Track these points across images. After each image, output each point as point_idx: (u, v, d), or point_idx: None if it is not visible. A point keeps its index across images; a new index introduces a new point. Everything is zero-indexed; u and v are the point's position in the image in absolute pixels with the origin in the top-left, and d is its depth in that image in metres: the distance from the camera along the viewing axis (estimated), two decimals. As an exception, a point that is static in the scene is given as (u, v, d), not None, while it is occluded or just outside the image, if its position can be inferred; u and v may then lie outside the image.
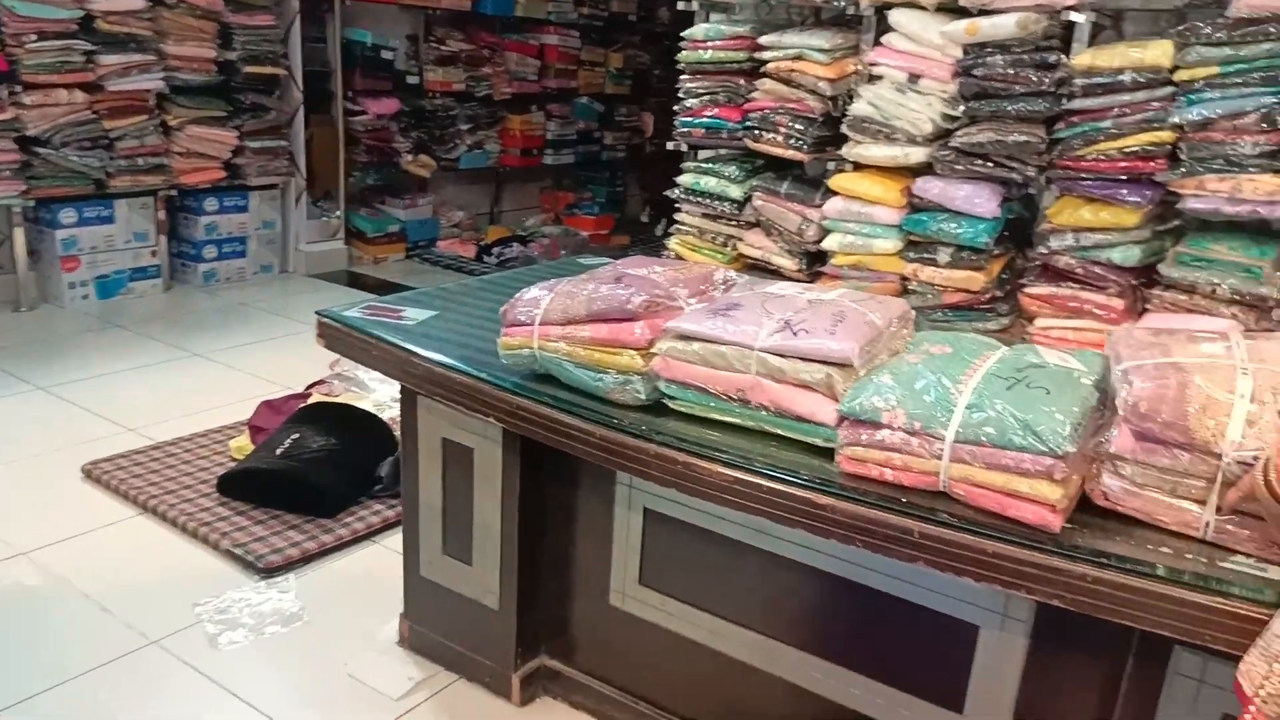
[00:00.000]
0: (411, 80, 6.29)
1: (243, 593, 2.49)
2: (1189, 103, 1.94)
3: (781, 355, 1.48)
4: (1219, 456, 1.19)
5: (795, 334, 1.49)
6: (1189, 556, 1.21)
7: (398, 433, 3.12)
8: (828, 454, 1.45)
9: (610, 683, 2.09)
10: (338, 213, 6.03)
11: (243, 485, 2.90)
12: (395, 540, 2.80)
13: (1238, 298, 1.92)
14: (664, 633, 1.97)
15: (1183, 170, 1.96)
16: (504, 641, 2.14)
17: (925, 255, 2.30)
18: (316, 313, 2.17)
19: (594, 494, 2.00)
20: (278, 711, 2.09)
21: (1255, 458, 1.14)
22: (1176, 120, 1.95)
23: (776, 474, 1.43)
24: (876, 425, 1.37)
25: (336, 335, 2.11)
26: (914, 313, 1.78)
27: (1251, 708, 0.97)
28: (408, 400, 2.16)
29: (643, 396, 1.61)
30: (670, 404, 1.61)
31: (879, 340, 1.54)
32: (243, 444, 3.20)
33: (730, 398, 1.53)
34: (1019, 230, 2.35)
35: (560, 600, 2.13)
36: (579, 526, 2.06)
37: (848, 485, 1.39)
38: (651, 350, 1.60)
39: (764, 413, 1.51)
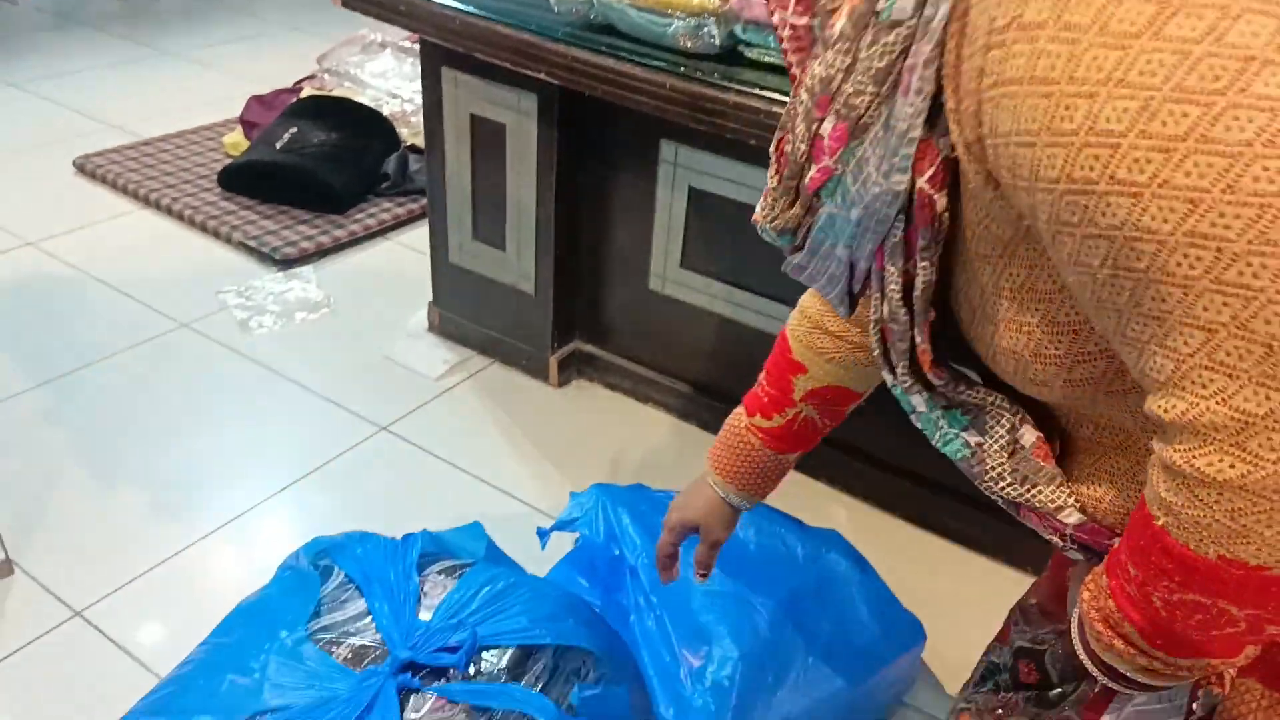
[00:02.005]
0: None
1: (263, 282, 2.46)
2: None
3: None
4: None
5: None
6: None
7: (401, 130, 3.00)
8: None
9: (646, 364, 2.15)
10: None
11: (245, 179, 2.79)
12: (409, 236, 2.77)
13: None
14: (706, 314, 1.99)
15: None
16: (540, 327, 2.16)
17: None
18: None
19: (635, 174, 1.94)
20: (321, 388, 2.13)
21: None
22: None
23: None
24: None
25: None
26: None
27: None
28: (431, 76, 2.03)
29: (716, 43, 1.50)
30: (747, 52, 1.51)
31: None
32: (237, 140, 3.06)
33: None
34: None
35: (597, 285, 2.13)
36: (618, 210, 2.02)
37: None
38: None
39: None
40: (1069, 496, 0.67)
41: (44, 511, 1.74)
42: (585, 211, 2.04)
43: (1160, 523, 0.51)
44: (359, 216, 2.76)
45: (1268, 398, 0.43)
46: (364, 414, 2.07)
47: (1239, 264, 0.41)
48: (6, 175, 2.90)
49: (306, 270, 2.54)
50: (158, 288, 2.41)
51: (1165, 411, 0.48)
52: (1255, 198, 0.40)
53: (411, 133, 2.99)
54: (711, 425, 2.05)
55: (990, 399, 0.68)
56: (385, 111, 3.03)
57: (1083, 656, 0.63)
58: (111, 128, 3.24)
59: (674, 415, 2.13)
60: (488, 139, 2.02)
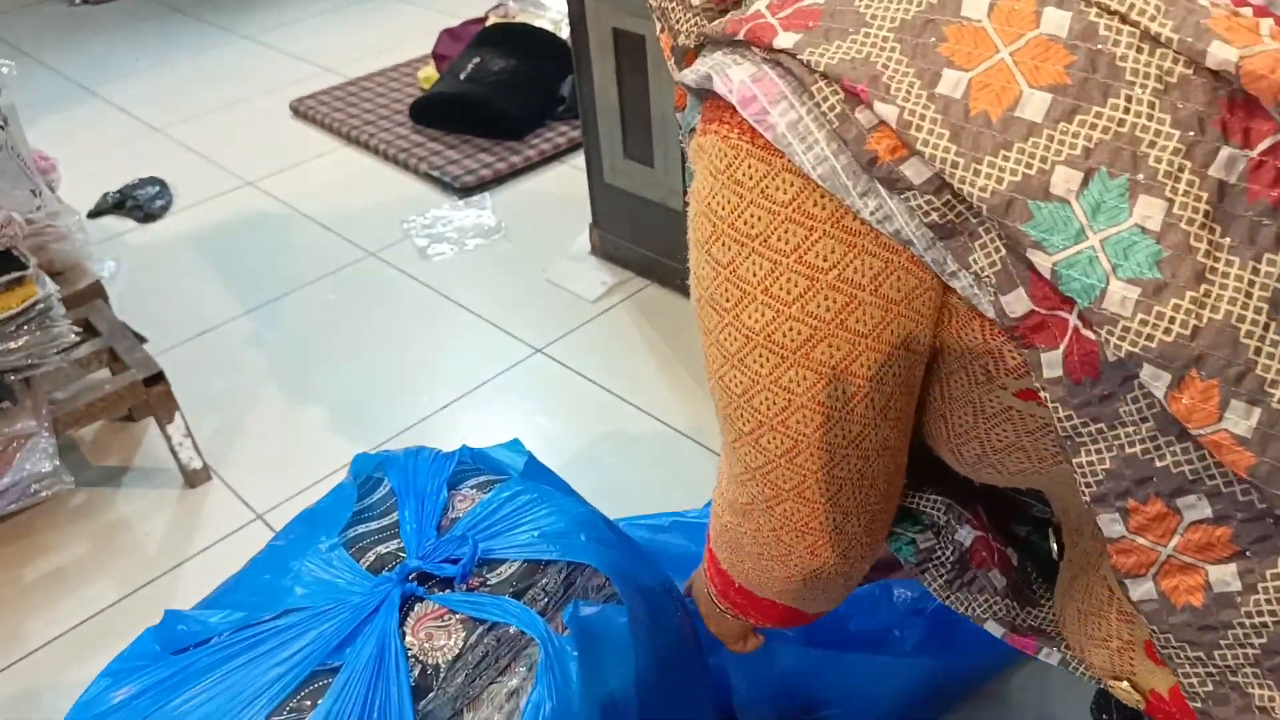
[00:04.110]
0: None
1: (443, 211, 2.59)
2: None
3: None
4: None
5: None
6: None
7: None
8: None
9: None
10: None
11: (432, 112, 2.92)
12: (582, 159, 2.79)
13: None
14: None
15: None
16: (692, 244, 2.12)
17: None
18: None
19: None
20: (487, 312, 2.23)
21: None
22: None
23: None
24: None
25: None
26: None
27: None
28: (576, -8, 2.01)
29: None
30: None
31: None
32: (429, 74, 3.20)
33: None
34: None
35: (747, 199, 2.05)
36: (764, 118, 1.92)
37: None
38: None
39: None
40: (991, 608, 0.70)
41: (241, 426, 1.96)
42: (731, 123, 1.96)
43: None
44: (535, 141, 2.82)
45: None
46: (522, 336, 2.14)
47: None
48: (234, 120, 3.22)
49: (483, 197, 2.63)
50: (352, 220, 2.60)
51: None
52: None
53: (588, 54, 2.99)
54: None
55: (925, 501, 0.70)
56: (563, 34, 3.05)
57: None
58: (325, 70, 3.49)
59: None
60: (630, 52, 1.98)
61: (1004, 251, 0.47)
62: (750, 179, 0.50)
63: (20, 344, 1.53)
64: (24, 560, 1.70)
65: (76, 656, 1.53)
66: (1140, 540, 0.50)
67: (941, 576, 0.72)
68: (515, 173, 2.73)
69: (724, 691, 1.02)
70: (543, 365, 2.05)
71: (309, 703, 0.72)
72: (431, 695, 0.74)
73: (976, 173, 0.44)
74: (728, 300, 0.53)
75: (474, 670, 0.76)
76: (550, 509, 0.84)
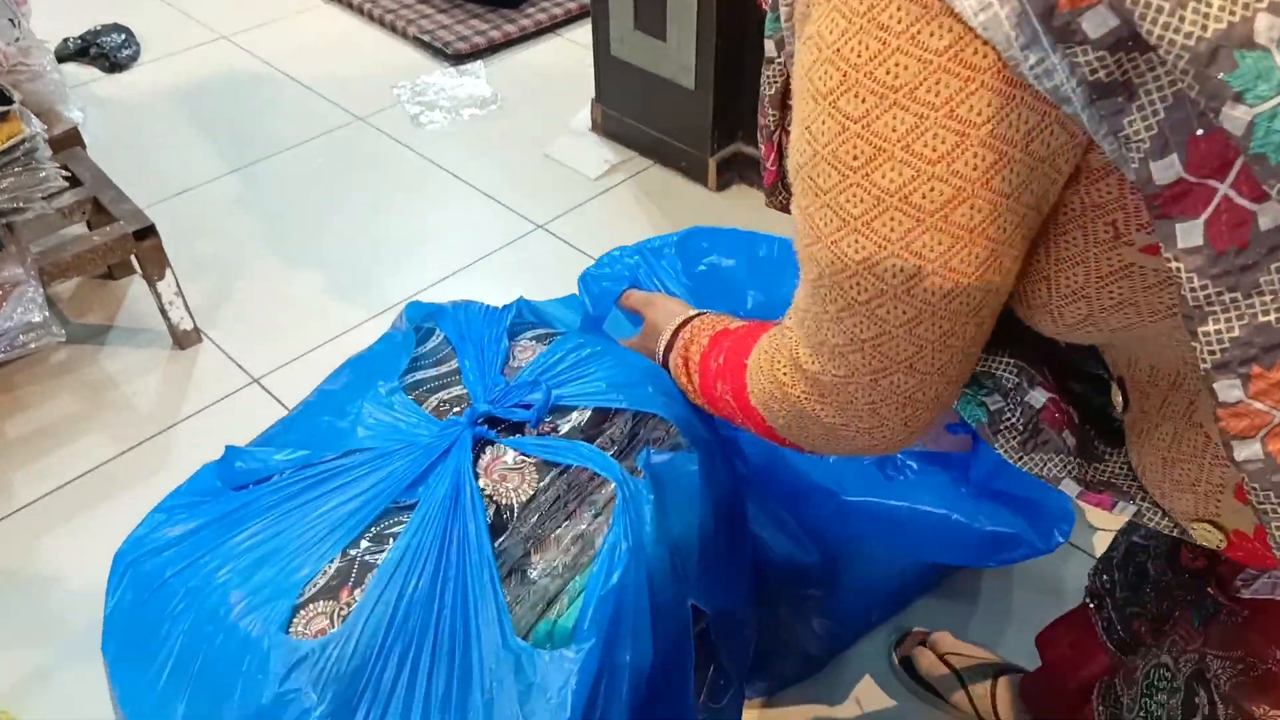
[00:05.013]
0: None
1: (434, 78, 2.48)
2: None
3: None
4: None
5: None
6: None
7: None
8: None
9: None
10: None
11: (422, -27, 2.77)
12: (580, 33, 2.69)
13: None
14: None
15: None
16: (700, 125, 2.07)
17: None
18: None
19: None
20: (483, 184, 2.16)
21: None
22: None
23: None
24: None
25: None
26: None
27: None
28: None
29: None
30: None
31: None
32: (417, -66, 3.02)
33: None
34: None
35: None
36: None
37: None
38: None
39: None
40: (1068, 469, 0.69)
41: (231, 288, 1.89)
42: (752, -4, 1.89)
43: (748, 360, 0.70)
44: (531, 11, 2.70)
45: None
46: (523, 211, 2.08)
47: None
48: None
49: (477, 66, 2.53)
50: (337, 83, 2.48)
51: None
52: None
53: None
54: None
55: (998, 365, 0.67)
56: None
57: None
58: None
59: (837, 223, 2.01)
60: (650, -86, 1.88)
61: (1162, 115, 0.45)
62: (899, 23, 0.46)
63: (5, 185, 1.44)
64: (6, 415, 1.64)
65: (70, 512, 1.49)
66: (1257, 405, 0.50)
67: (1015, 438, 0.72)
68: (510, 42, 2.62)
69: (758, 546, 1.04)
70: (545, 241, 2.01)
71: (389, 535, 0.71)
72: (506, 535, 0.73)
73: (1181, 19, 0.42)
74: (856, 158, 0.50)
75: (546, 513, 0.75)
76: (615, 360, 0.82)
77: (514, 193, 2.13)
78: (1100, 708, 0.90)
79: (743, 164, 2.13)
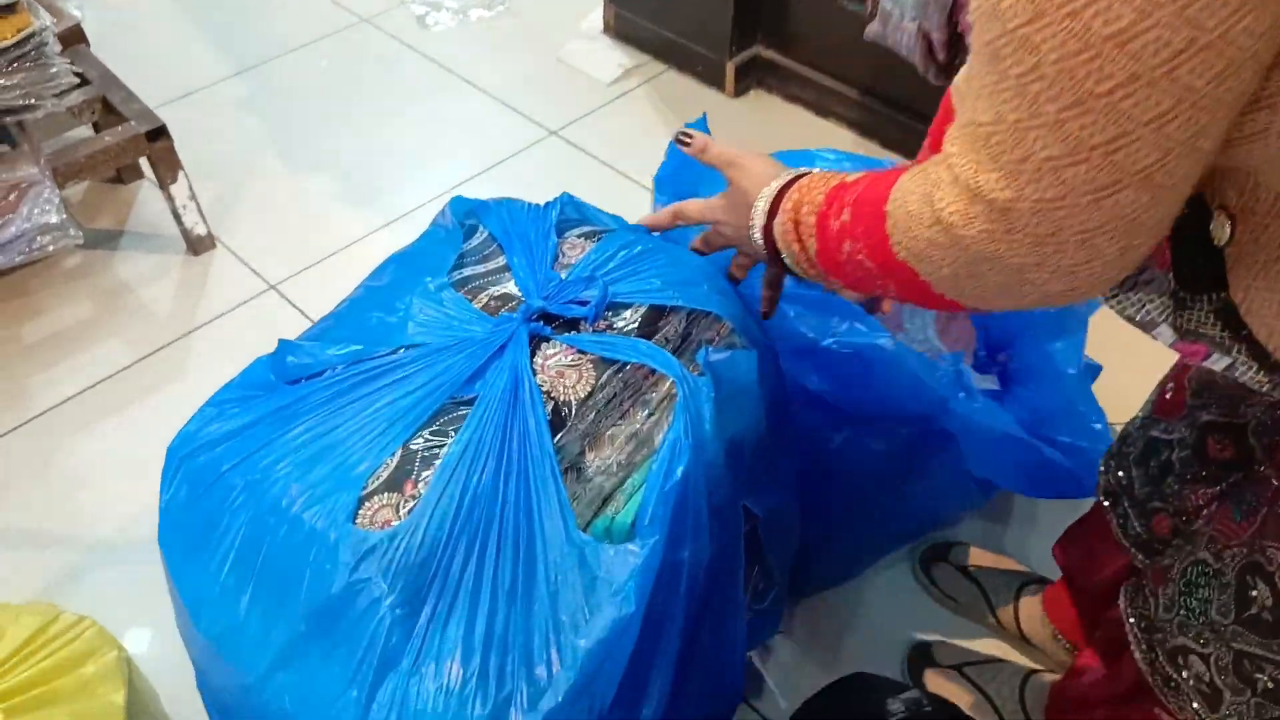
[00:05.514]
0: None
1: (441, -23, 2.40)
2: None
3: None
4: None
5: None
6: None
7: None
8: None
9: (832, 74, 1.97)
10: None
11: None
12: (590, -70, 2.59)
13: None
14: (901, 12, 1.78)
15: None
16: (719, 27, 2.01)
17: None
18: None
19: None
20: (492, 88, 2.11)
21: None
22: None
23: None
24: None
25: None
26: None
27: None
28: None
29: None
30: None
31: None
32: None
33: None
34: None
35: (784, -20, 1.93)
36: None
37: None
38: None
39: None
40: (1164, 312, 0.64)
41: (241, 194, 1.85)
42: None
43: (888, 208, 0.60)
44: (538, -92, 2.59)
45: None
46: (535, 117, 2.03)
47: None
48: None
49: (483, -34, 2.44)
50: (339, -19, 2.40)
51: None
52: None
53: None
54: (897, 144, 1.90)
55: None
56: None
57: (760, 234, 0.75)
58: None
59: (856, 132, 1.98)
60: None
61: None
62: None
63: (15, 81, 1.39)
64: (21, 320, 1.63)
65: (89, 419, 1.49)
66: None
67: None
68: (518, -59, 2.52)
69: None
70: (559, 148, 1.97)
71: (449, 430, 0.71)
72: (564, 431, 0.72)
73: None
74: None
75: (602, 410, 0.75)
76: (669, 258, 0.81)
77: (525, 98, 2.08)
78: (1129, 610, 0.89)
79: (762, 69, 2.08)
